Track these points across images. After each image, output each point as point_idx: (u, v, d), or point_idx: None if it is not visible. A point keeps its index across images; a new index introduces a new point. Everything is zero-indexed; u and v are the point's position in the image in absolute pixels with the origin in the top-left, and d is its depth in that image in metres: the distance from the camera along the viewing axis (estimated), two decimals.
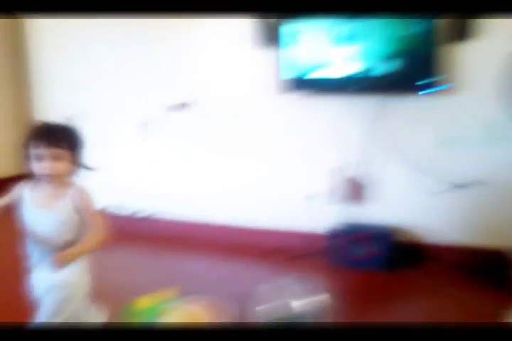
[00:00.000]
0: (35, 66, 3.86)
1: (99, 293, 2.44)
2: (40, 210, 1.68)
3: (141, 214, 3.64)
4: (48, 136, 1.66)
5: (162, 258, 3.24)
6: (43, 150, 1.62)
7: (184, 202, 3.53)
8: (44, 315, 1.70)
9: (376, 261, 2.87)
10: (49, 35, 3.70)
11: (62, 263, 1.60)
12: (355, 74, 2.82)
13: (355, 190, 3.06)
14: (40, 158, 1.63)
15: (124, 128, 3.59)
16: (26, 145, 1.66)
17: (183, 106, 3.34)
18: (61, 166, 1.66)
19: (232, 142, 3.33)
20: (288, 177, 3.23)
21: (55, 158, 1.63)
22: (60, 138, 1.67)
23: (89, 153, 3.56)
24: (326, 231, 3.05)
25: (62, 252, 1.61)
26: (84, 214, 1.72)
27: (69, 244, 1.66)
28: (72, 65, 3.69)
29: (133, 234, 3.55)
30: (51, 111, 3.78)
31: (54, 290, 1.67)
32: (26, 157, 1.66)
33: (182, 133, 3.45)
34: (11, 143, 4.98)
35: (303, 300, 1.36)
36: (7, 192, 1.72)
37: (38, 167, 1.64)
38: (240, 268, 3.04)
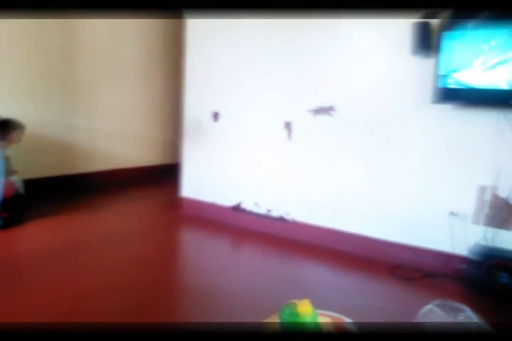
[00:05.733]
0: (189, 65, 4.04)
1: (219, 290, 2.51)
2: None
3: (273, 214, 3.65)
4: None
5: (287, 260, 3.22)
6: None
7: (317, 206, 3.46)
8: None
9: None
10: (203, 35, 3.89)
11: None
12: None
13: (505, 213, 2.77)
14: None
15: (266, 127, 3.62)
16: None
17: (328, 110, 3.28)
18: None
19: (374, 151, 3.18)
20: (431, 191, 3.01)
21: None
22: None
23: (227, 149, 3.70)
24: (466, 253, 2.83)
25: None
26: None
27: None
28: (221, 64, 3.82)
29: (262, 233, 3.61)
30: (199, 108, 3.95)
31: None
32: None
33: (324, 137, 3.36)
34: (159, 137, 5.41)
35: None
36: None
37: None
38: (365, 281, 2.91)
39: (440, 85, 2.76)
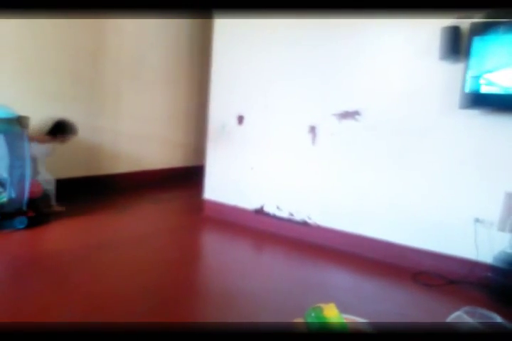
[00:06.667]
0: (214, 68, 4.08)
1: (241, 293, 2.51)
2: None
3: (296, 218, 3.64)
4: None
5: (309, 264, 3.21)
6: None
7: (340, 210, 3.45)
8: None
9: None
10: (229, 38, 3.93)
11: None
12: None
13: None
14: None
15: (290, 130, 3.62)
16: None
17: (353, 114, 3.27)
18: None
19: (399, 156, 3.17)
20: (456, 197, 2.99)
21: None
22: None
23: (251, 152, 3.71)
24: (491, 261, 2.80)
25: None
26: None
27: None
28: (247, 67, 3.85)
29: (284, 236, 3.61)
30: (224, 111, 3.97)
31: None
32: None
33: (349, 142, 3.37)
34: (183, 140, 5.45)
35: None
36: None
37: None
38: (388, 287, 2.88)
39: (470, 90, 2.74)
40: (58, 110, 4.35)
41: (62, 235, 3.42)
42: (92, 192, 4.60)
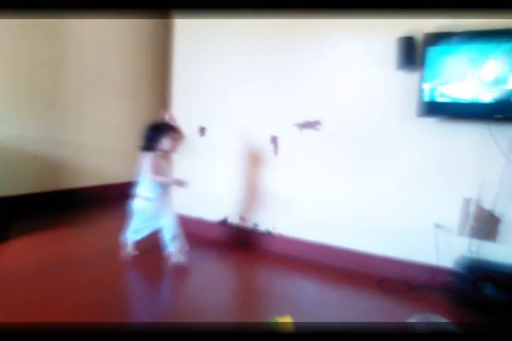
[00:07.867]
0: (176, 80, 4.07)
1: (205, 306, 2.48)
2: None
3: (260, 228, 3.64)
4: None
5: (273, 275, 3.21)
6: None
7: (304, 220, 3.46)
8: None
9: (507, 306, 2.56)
10: (190, 49, 3.92)
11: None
12: (502, 100, 2.56)
13: (489, 225, 2.79)
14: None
15: (253, 141, 3.64)
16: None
17: (314, 124, 3.30)
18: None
19: (360, 164, 3.20)
20: (417, 203, 3.03)
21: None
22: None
23: (214, 164, 3.71)
24: (451, 266, 2.83)
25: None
26: None
27: None
28: (207, 78, 3.85)
29: (249, 247, 3.60)
30: (186, 122, 3.95)
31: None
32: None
33: (310, 151, 3.38)
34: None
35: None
36: None
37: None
38: (352, 294, 2.90)
39: (426, 99, 2.80)
40: (13, 124, 4.26)
41: (22, 253, 3.33)
42: (53, 207, 4.51)
